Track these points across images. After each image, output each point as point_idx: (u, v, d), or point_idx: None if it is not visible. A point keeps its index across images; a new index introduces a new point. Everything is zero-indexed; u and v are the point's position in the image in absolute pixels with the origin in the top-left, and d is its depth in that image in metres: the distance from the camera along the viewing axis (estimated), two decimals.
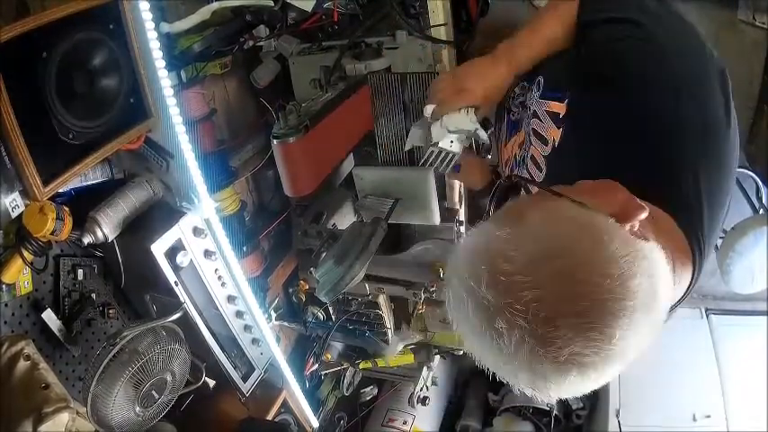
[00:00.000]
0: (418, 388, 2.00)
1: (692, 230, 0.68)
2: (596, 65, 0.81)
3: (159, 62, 1.05)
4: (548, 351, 0.50)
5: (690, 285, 0.69)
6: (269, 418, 1.65)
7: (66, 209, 1.02)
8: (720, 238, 1.93)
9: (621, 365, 0.53)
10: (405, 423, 2.28)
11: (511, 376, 0.55)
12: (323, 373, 2.01)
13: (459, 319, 0.57)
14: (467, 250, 0.58)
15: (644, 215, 0.56)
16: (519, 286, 0.51)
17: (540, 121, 0.93)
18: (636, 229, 0.56)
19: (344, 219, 1.68)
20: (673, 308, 0.68)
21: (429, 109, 1.03)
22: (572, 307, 0.50)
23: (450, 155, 1.05)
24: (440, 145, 1.03)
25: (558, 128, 0.88)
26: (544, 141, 0.92)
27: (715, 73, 0.78)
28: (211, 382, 1.46)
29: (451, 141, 1.03)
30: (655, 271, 0.54)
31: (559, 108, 0.87)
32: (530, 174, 0.99)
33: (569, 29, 0.90)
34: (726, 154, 0.75)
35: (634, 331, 0.51)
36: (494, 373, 0.58)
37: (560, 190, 0.62)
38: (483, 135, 1.04)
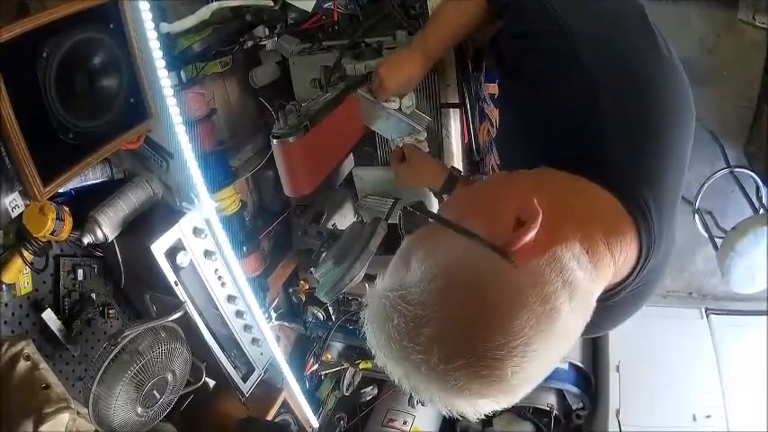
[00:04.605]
0: None
1: (628, 196, 0.63)
2: (507, 50, 0.81)
3: (159, 62, 1.05)
4: (450, 394, 0.53)
5: (642, 257, 0.63)
6: (269, 418, 1.64)
7: (66, 209, 1.03)
8: (720, 238, 1.93)
9: (533, 381, 0.54)
10: (405, 423, 2.28)
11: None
12: (323, 373, 2.01)
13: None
14: (370, 310, 0.60)
15: (531, 234, 0.54)
16: (406, 352, 0.53)
17: (488, 104, 0.96)
18: (533, 240, 0.55)
19: (344, 219, 1.68)
20: (624, 286, 0.65)
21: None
22: (455, 361, 0.51)
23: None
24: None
25: (496, 108, 0.90)
26: (492, 124, 0.95)
27: (634, 22, 0.73)
28: (211, 383, 1.46)
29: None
30: (552, 295, 0.53)
31: (494, 89, 0.90)
32: (494, 158, 1.01)
33: (475, 16, 0.93)
34: (659, 103, 0.68)
35: (531, 361, 0.51)
36: None
37: (456, 202, 0.67)
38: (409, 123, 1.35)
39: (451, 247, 0.57)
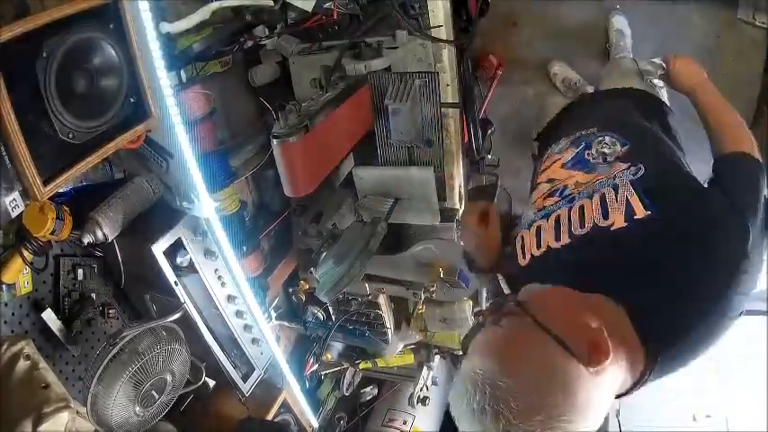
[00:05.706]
0: (418, 388, 2.01)
1: (650, 338, 0.78)
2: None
3: (159, 62, 1.05)
4: None
5: (643, 375, 0.79)
6: (269, 417, 1.65)
7: (66, 209, 1.03)
8: None
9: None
10: (405, 423, 2.28)
11: None
12: (323, 373, 2.01)
13: None
14: (455, 398, 0.70)
15: (606, 363, 0.69)
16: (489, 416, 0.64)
17: (616, 200, 0.88)
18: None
19: (344, 219, 1.68)
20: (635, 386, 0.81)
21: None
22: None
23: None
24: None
25: (624, 222, 0.85)
26: (605, 215, 0.88)
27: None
28: (211, 382, 1.46)
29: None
30: (603, 399, 0.71)
31: (640, 212, 0.84)
32: (553, 226, 0.94)
33: None
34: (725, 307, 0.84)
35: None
36: None
37: (544, 304, 0.76)
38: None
39: (540, 350, 0.71)
